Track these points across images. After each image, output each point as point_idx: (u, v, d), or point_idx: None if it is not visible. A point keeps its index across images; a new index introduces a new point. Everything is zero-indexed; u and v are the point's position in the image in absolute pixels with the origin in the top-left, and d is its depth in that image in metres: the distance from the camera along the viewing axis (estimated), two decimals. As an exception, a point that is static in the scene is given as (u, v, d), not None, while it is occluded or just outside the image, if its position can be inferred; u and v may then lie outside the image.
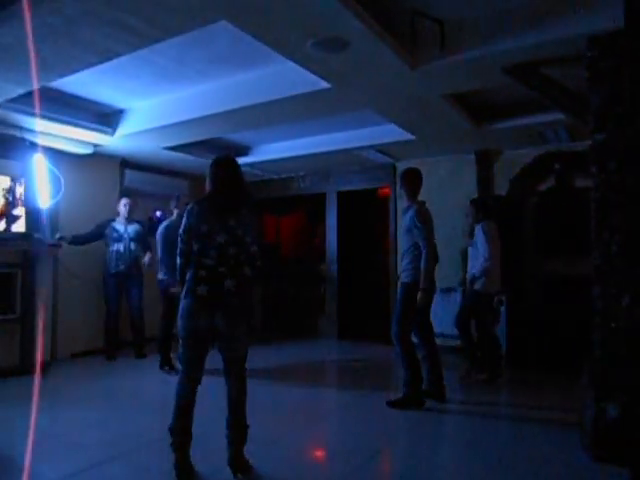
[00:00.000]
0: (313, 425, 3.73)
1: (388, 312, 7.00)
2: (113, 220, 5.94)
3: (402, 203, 4.62)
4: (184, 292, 2.68)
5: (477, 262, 4.81)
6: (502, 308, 5.47)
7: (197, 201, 2.77)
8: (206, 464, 2.73)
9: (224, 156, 2.91)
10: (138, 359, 5.81)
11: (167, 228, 5.13)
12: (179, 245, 2.74)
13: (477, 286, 4.81)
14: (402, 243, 4.15)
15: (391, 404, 3.95)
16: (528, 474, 2.83)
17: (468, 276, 4.94)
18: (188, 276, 2.68)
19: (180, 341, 2.69)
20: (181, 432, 2.63)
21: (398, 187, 4.17)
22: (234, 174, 2.80)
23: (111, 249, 5.81)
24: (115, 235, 5.85)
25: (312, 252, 8.66)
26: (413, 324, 4.04)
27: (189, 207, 2.75)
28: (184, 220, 2.73)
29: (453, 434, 3.52)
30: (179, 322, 2.67)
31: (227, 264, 2.63)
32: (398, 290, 4.08)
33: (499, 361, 4.89)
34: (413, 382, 3.93)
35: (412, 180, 4.14)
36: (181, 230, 2.73)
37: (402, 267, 4.06)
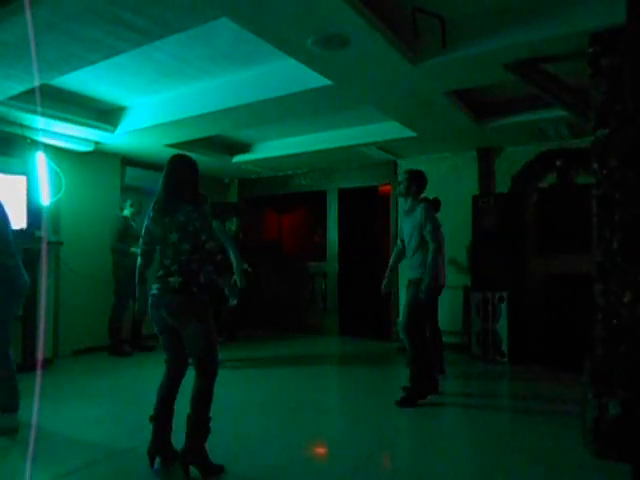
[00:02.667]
0: (313, 422, 3.74)
1: (389, 309, 7.02)
2: (128, 218, 6.01)
3: (402, 201, 4.63)
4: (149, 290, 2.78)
5: None
6: (503, 305, 5.50)
7: (152, 204, 2.81)
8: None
9: (172, 156, 2.92)
10: (143, 352, 5.94)
11: None
12: (141, 246, 2.85)
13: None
14: (409, 241, 4.12)
15: (399, 404, 3.93)
16: (529, 470, 2.84)
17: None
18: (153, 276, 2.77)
19: None
20: (159, 421, 2.74)
21: (406, 184, 4.12)
22: (175, 173, 2.79)
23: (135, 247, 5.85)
24: (136, 233, 5.91)
25: (312, 250, 8.66)
26: (423, 320, 4.07)
27: (149, 211, 2.82)
28: (144, 224, 2.83)
29: (454, 429, 3.53)
30: None
31: (179, 261, 2.66)
32: (408, 287, 4.07)
33: None
34: (420, 378, 3.94)
35: (422, 180, 4.18)
36: (142, 232, 2.84)
37: (411, 264, 4.07)
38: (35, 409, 3.52)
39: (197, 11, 2.84)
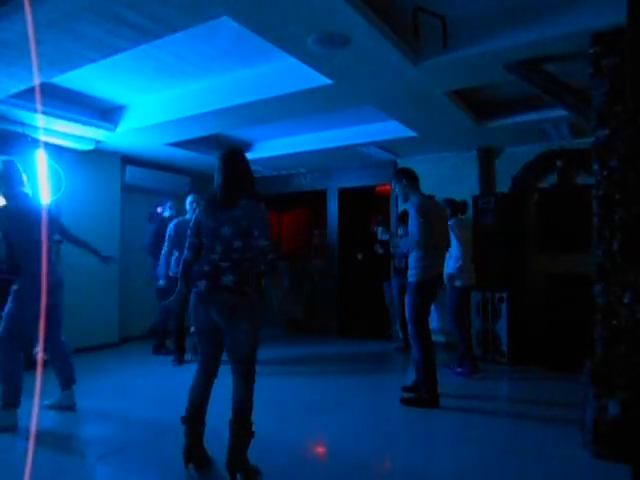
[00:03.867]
0: (314, 421, 3.74)
1: (388, 309, 7.00)
2: (165, 219, 6.01)
3: (401, 203, 4.63)
4: (192, 287, 2.69)
5: (452, 260, 4.85)
6: (503, 305, 5.49)
7: (206, 197, 2.76)
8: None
9: (227, 149, 2.83)
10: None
11: (179, 224, 5.27)
12: (189, 239, 2.75)
13: (457, 283, 4.88)
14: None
15: (405, 402, 3.93)
16: (528, 471, 2.84)
17: (446, 274, 4.90)
18: (195, 271, 2.68)
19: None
20: (192, 423, 2.67)
21: (401, 186, 4.05)
22: (235, 166, 2.72)
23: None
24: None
25: (312, 249, 8.65)
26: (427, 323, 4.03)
27: (201, 203, 2.76)
28: (195, 216, 2.76)
29: (453, 431, 3.52)
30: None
31: (230, 258, 2.58)
32: (407, 289, 4.00)
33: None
34: (428, 382, 3.91)
35: (414, 177, 4.08)
36: (191, 224, 2.75)
37: (410, 265, 3.98)
38: (35, 407, 3.52)
39: (198, 10, 2.84)
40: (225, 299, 2.57)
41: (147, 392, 4.42)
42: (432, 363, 3.93)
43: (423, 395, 3.90)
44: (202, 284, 2.60)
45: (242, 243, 2.59)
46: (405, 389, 4.15)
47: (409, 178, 4.04)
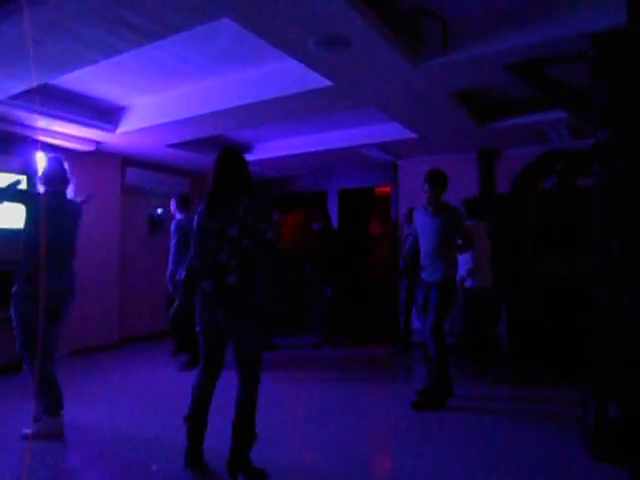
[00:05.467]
0: (315, 423, 3.74)
1: (391, 311, 7.00)
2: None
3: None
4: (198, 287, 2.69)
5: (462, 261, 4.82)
6: (503, 305, 5.49)
7: (204, 201, 2.75)
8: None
9: (224, 149, 2.85)
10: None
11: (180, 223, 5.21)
12: (194, 246, 2.72)
13: (467, 284, 4.86)
14: (431, 243, 4.05)
15: (417, 406, 3.90)
16: (528, 472, 2.84)
17: (458, 276, 4.88)
18: (200, 272, 2.67)
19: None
20: (195, 422, 2.67)
21: (430, 187, 4.08)
22: (230, 165, 2.73)
23: None
24: None
25: (310, 250, 8.63)
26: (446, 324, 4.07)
27: (199, 208, 2.74)
28: (195, 221, 2.74)
29: (453, 431, 3.52)
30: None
31: (238, 258, 2.59)
32: (433, 290, 4.01)
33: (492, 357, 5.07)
34: (440, 383, 3.93)
35: (446, 182, 4.11)
36: (195, 230, 2.73)
37: (435, 267, 4.00)
38: (32, 408, 3.52)
39: (198, 11, 2.83)
40: (231, 300, 2.59)
41: (148, 394, 4.42)
42: (447, 364, 3.97)
43: (434, 395, 3.92)
44: (208, 285, 2.61)
45: (249, 241, 2.61)
46: (421, 392, 4.11)
47: (442, 188, 4.09)
